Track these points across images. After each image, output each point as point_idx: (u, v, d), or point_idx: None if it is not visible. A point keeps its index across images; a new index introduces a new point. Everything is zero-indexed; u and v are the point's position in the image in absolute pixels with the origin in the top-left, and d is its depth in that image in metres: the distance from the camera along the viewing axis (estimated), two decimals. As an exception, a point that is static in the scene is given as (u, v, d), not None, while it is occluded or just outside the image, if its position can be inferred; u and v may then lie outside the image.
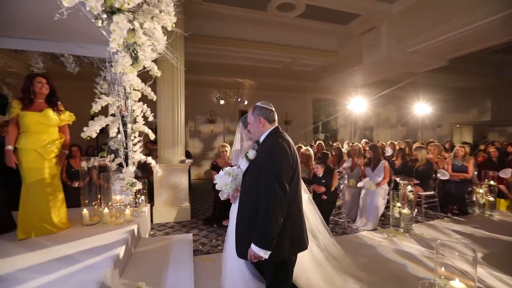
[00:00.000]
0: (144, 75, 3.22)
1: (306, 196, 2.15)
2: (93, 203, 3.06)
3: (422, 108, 9.70)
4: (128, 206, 3.08)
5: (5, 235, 2.49)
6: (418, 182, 4.30)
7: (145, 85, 3.30)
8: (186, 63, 5.03)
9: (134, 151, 3.17)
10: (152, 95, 3.43)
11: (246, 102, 8.32)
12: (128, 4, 1.79)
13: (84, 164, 2.99)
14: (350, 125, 10.75)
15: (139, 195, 3.48)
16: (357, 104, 8.62)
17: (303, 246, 1.64)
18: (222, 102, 7.98)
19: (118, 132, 3.06)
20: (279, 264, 1.59)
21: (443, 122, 11.99)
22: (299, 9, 5.12)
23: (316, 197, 3.58)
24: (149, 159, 3.35)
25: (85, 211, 2.82)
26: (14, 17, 2.43)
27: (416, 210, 4.27)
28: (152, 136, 3.39)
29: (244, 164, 1.74)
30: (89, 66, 3.30)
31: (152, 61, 3.28)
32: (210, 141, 8.39)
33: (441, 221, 4.06)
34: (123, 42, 2.72)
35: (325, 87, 9.07)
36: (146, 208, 3.50)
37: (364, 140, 7.33)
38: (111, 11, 2.15)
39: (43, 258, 2.05)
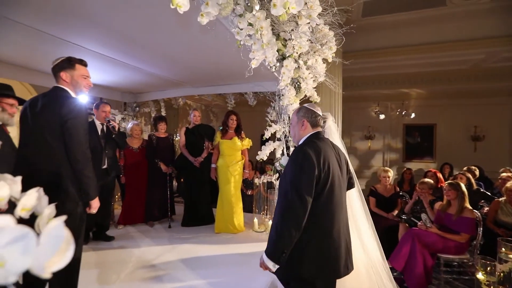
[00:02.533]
0: (305, 102, 3.53)
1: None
2: (261, 213, 3.65)
3: None
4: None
5: (207, 226, 3.49)
6: None
7: (305, 110, 3.61)
8: (343, 80, 5.03)
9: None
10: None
11: (413, 115, 7.07)
12: (297, 53, 2.02)
13: (256, 180, 3.66)
14: None
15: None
16: None
17: (334, 272, 1.36)
18: (382, 116, 7.22)
19: (282, 154, 3.51)
20: (300, 285, 1.38)
21: None
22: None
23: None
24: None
25: (255, 219, 3.43)
26: (218, 72, 3.43)
27: None
28: None
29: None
30: (262, 99, 4.06)
31: (313, 88, 3.54)
32: (367, 158, 7.78)
33: None
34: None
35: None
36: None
37: None
38: (282, 58, 2.54)
39: (231, 251, 2.72)
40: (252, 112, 6.48)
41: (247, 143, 3.47)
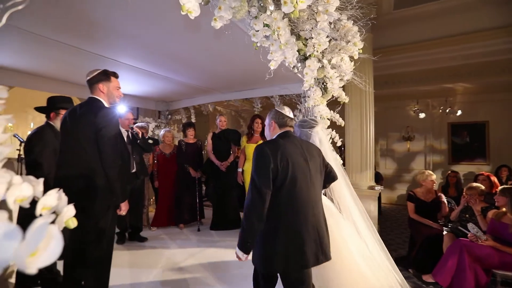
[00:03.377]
0: (333, 102, 3.39)
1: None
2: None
3: None
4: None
5: (236, 230, 3.49)
6: None
7: (334, 111, 3.46)
8: (376, 78, 4.73)
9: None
10: (340, 121, 3.51)
11: (459, 113, 6.40)
12: (317, 51, 1.94)
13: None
14: None
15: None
16: None
17: (300, 262, 1.42)
18: (422, 115, 6.65)
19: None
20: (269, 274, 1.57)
21: None
22: None
23: None
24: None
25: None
26: (244, 77, 3.46)
27: None
28: (340, 162, 3.47)
29: None
30: (288, 101, 4.00)
31: (340, 87, 3.39)
32: (406, 161, 7.20)
33: None
34: (314, 78, 3.05)
35: None
36: (333, 232, 3.57)
37: None
38: (304, 58, 2.47)
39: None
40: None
41: None
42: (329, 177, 1.74)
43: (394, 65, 5.44)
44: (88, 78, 1.88)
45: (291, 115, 1.72)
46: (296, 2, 1.13)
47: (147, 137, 3.37)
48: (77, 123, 1.77)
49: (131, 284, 2.20)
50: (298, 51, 2.25)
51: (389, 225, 5.22)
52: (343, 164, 4.64)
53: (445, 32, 4.59)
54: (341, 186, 2.09)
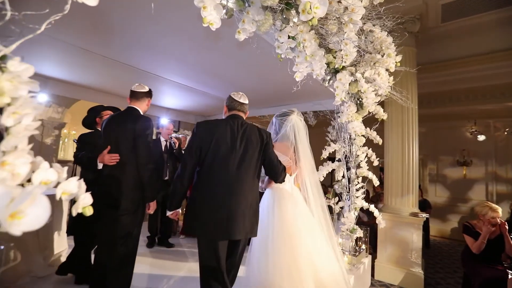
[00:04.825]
0: (371, 119, 3.21)
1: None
2: (318, 240, 3.34)
3: None
4: (347, 253, 3.02)
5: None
6: None
7: (371, 129, 3.27)
8: (423, 96, 4.37)
9: (357, 197, 3.14)
10: (377, 139, 3.30)
11: (530, 136, 5.50)
12: (345, 62, 1.89)
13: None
14: None
15: (360, 243, 3.33)
16: None
17: (210, 233, 1.54)
18: (481, 137, 5.86)
19: (343, 176, 3.22)
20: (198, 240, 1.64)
21: None
22: None
23: None
24: (372, 207, 3.16)
25: (311, 246, 3.16)
26: (276, 92, 3.50)
27: None
28: (376, 182, 3.22)
29: None
30: (322, 118, 3.90)
31: (378, 104, 3.21)
32: (462, 189, 6.32)
33: None
34: (348, 93, 2.94)
35: None
36: (367, 260, 3.24)
37: None
38: (335, 71, 2.41)
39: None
40: (313, 135, 6.27)
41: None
42: (268, 167, 1.79)
43: (444, 81, 4.99)
44: (141, 91, 2.09)
45: (242, 101, 1.81)
46: (311, 8, 1.12)
47: (183, 148, 3.56)
48: (119, 128, 1.98)
49: (151, 285, 2.26)
50: (328, 64, 2.22)
51: (439, 262, 4.55)
52: (381, 186, 4.28)
53: (504, 44, 4.09)
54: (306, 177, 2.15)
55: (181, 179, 1.62)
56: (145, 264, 2.73)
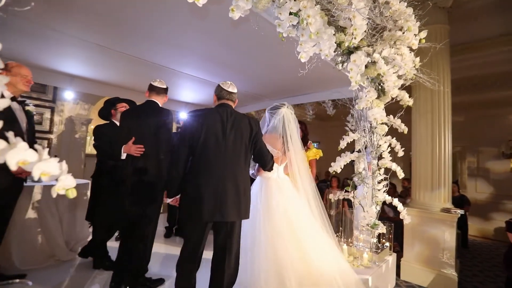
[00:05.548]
0: (396, 106, 2.95)
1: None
2: (337, 234, 3.15)
3: None
4: (368, 250, 2.82)
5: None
6: None
7: (394, 117, 3.00)
8: (459, 81, 3.91)
9: (378, 190, 2.92)
10: (402, 128, 3.02)
11: None
12: (355, 38, 1.71)
13: (331, 196, 3.23)
14: None
15: (383, 240, 3.09)
16: None
17: (198, 215, 1.60)
18: (532, 126, 5.16)
19: (364, 168, 3.00)
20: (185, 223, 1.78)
21: None
22: None
23: None
24: (395, 201, 2.91)
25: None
26: (294, 83, 3.35)
27: None
28: (401, 175, 2.96)
29: None
30: (342, 107, 3.66)
31: (403, 88, 2.94)
32: (508, 185, 5.63)
33: None
34: (367, 77, 2.71)
35: None
36: (391, 258, 2.99)
37: None
38: (348, 52, 2.22)
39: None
40: (332, 127, 5.99)
41: (312, 153, 3.16)
42: (258, 155, 1.83)
43: (483, 63, 4.42)
44: (162, 86, 2.15)
45: (231, 90, 1.82)
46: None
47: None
48: (140, 119, 2.04)
49: (163, 271, 2.34)
50: (339, 44, 2.04)
51: (478, 264, 4.10)
52: (409, 180, 3.92)
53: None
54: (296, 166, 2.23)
55: (176, 167, 1.68)
56: (161, 251, 2.81)
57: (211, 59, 2.89)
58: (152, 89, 2.13)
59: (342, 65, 2.31)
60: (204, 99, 4.68)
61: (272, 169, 2.00)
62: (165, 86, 2.18)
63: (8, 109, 1.79)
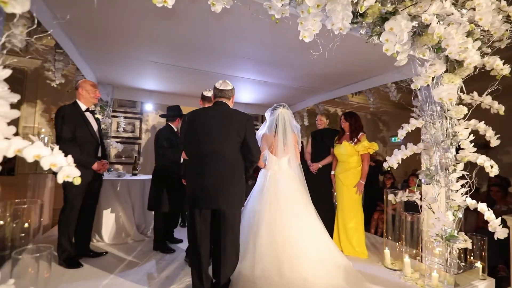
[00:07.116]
0: (477, 77, 2.22)
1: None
2: (398, 242, 2.60)
3: None
4: (442, 268, 2.21)
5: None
6: None
7: (480, 95, 2.27)
8: None
9: (455, 191, 2.25)
10: (495, 106, 2.26)
11: None
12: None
13: (391, 197, 2.68)
14: None
15: (471, 257, 2.36)
16: None
17: (197, 202, 1.79)
18: None
19: (434, 163, 2.39)
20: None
21: None
22: None
23: None
24: (481, 206, 2.15)
25: (386, 250, 2.51)
26: (348, 70, 3.01)
27: None
28: (492, 172, 2.21)
29: None
30: (407, 91, 3.00)
31: (491, 54, 2.21)
32: None
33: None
34: (429, 48, 2.16)
35: None
36: (483, 284, 2.23)
37: None
38: (382, 19, 1.82)
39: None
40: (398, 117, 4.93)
41: (362, 148, 2.69)
42: (246, 147, 1.88)
43: None
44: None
45: (222, 88, 1.94)
46: None
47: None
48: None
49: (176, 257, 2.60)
50: (361, 14, 1.71)
51: None
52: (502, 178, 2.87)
53: None
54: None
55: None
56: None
57: (264, 62, 2.98)
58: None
59: (378, 38, 1.92)
60: (260, 98, 4.75)
61: (257, 162, 2.04)
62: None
63: (82, 116, 2.33)
